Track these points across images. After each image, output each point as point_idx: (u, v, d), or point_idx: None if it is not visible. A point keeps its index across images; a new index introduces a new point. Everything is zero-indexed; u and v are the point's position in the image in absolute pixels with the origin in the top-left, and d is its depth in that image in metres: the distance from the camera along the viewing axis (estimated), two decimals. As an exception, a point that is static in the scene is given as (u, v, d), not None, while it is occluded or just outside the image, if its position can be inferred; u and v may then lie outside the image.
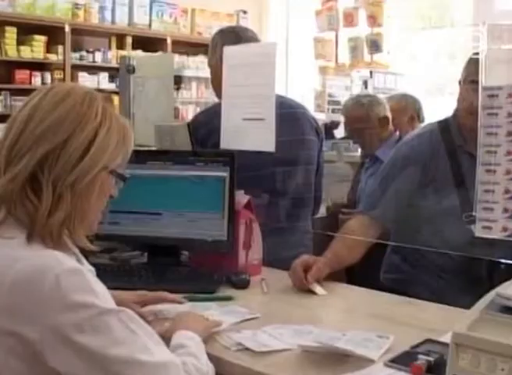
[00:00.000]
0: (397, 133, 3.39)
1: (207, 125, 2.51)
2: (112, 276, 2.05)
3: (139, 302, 1.74)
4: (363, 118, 3.36)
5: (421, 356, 1.41)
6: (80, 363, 1.20)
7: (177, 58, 6.57)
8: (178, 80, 6.63)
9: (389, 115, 3.38)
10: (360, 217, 2.37)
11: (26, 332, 1.19)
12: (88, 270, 1.35)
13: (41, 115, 1.30)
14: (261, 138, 2.22)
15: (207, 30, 7.28)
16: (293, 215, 2.68)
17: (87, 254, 1.43)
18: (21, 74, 6.07)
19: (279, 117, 2.20)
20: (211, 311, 1.79)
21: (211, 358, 1.47)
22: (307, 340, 1.59)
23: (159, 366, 1.25)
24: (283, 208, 2.63)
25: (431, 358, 1.39)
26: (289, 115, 2.56)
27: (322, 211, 3.24)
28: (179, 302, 1.79)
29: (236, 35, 2.60)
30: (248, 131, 2.25)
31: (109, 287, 1.56)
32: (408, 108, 3.82)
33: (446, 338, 1.36)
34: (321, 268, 2.07)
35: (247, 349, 1.55)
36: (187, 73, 7.07)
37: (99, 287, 1.26)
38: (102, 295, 1.25)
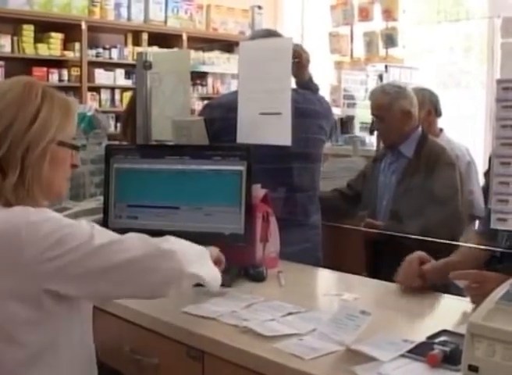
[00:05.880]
0: (420, 128, 3.34)
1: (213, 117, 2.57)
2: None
3: None
4: (385, 106, 3.29)
5: (437, 346, 1.43)
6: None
7: (193, 54, 6.59)
8: (193, 76, 6.66)
9: (414, 111, 3.32)
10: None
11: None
12: None
13: None
14: (277, 132, 2.23)
15: (222, 25, 7.31)
16: (302, 210, 2.71)
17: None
18: (38, 71, 6.12)
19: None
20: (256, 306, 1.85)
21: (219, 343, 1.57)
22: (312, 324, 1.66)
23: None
24: (295, 203, 2.67)
25: (447, 348, 1.41)
26: (299, 110, 2.56)
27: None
28: None
29: None
30: (265, 125, 2.26)
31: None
32: (425, 102, 3.77)
33: (462, 329, 1.37)
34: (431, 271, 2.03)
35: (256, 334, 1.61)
36: (203, 68, 7.10)
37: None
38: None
